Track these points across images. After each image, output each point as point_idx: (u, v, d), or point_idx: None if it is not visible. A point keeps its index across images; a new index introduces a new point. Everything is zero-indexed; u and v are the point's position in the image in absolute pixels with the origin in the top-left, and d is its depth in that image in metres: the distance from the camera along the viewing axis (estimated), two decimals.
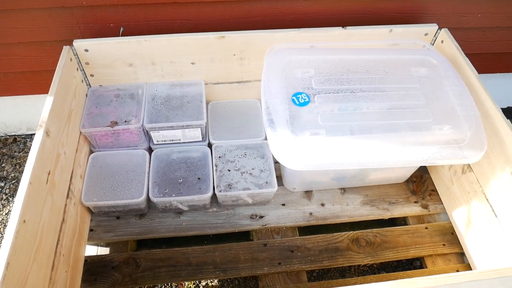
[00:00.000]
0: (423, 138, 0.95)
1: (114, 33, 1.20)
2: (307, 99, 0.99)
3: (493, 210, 1.02)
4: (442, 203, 1.23)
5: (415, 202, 1.23)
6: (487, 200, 1.04)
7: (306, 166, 0.89)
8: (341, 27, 1.17)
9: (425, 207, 1.22)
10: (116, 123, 1.12)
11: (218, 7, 1.17)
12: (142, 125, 1.12)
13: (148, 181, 1.11)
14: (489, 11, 1.26)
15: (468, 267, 1.11)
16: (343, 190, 1.22)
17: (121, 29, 1.18)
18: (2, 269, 0.70)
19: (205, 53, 1.16)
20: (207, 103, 1.29)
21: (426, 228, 1.17)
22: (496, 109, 0.99)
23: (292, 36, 1.16)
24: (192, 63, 1.19)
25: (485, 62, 1.46)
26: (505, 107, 1.78)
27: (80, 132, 1.11)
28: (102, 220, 1.14)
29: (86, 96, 1.19)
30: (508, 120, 0.98)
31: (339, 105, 0.98)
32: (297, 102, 0.98)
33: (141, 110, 1.15)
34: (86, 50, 1.11)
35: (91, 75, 1.18)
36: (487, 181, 1.03)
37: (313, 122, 0.95)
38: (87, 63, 1.14)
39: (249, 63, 1.21)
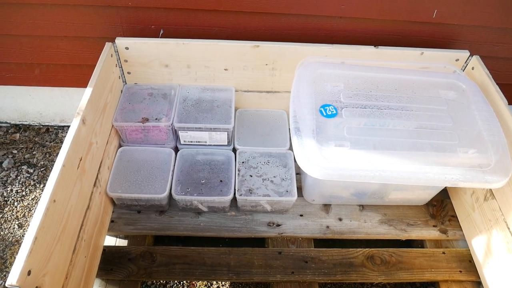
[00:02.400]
0: (447, 159, 0.96)
1: (155, 35, 1.25)
2: (334, 112, 1.01)
3: None
4: (461, 230, 1.21)
5: (433, 226, 1.22)
6: (509, 229, 1.03)
7: (328, 176, 0.90)
8: (373, 46, 1.19)
9: (443, 232, 1.21)
10: (147, 120, 1.16)
11: (255, 17, 1.21)
12: (171, 124, 1.16)
13: (172, 179, 1.14)
14: None
15: None
16: (362, 207, 1.23)
17: (161, 31, 1.24)
18: (30, 243, 0.73)
19: (239, 60, 1.20)
20: (235, 110, 1.32)
21: (444, 253, 1.16)
22: None
23: (324, 51, 1.19)
24: (225, 69, 1.23)
25: None
26: None
27: (112, 125, 1.16)
28: (124, 213, 1.17)
29: (121, 92, 1.24)
30: None
31: (365, 120, 1.00)
32: (325, 114, 1.00)
33: (172, 110, 1.19)
34: (127, 48, 1.17)
35: (128, 73, 1.23)
36: (510, 209, 1.02)
37: (339, 134, 0.97)
38: (126, 61, 1.20)
39: (280, 74, 1.24)
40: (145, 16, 1.20)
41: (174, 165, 1.17)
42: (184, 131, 1.17)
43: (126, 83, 1.26)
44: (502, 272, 1.03)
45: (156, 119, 1.17)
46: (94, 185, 1.03)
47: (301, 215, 1.20)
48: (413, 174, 0.91)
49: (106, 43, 1.13)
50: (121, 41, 1.15)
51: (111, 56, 1.14)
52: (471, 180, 0.92)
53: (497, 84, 1.12)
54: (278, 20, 1.22)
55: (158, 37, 1.24)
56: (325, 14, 1.20)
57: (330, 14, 1.20)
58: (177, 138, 1.22)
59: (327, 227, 1.18)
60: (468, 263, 1.14)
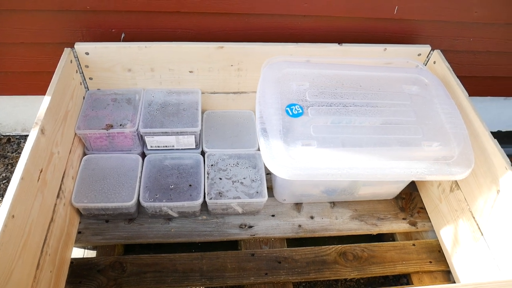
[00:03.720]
0: (412, 153, 0.97)
1: (116, 39, 1.22)
2: (300, 111, 1.00)
3: (479, 229, 1.03)
4: (430, 221, 1.24)
5: (403, 218, 1.24)
6: (474, 218, 1.05)
7: (296, 176, 0.90)
8: (337, 44, 1.20)
9: (413, 224, 1.23)
10: (111, 126, 1.13)
11: (219, 18, 1.20)
12: (137, 130, 1.13)
13: (140, 186, 1.11)
14: (480, 35, 1.31)
15: None
16: (333, 204, 1.23)
17: (123, 35, 1.21)
18: None
19: (204, 62, 1.19)
20: (202, 112, 1.30)
21: (414, 245, 1.18)
22: (484, 129, 1.01)
23: (289, 50, 1.18)
24: (190, 72, 1.21)
25: (475, 85, 1.49)
26: (495, 130, 1.82)
27: (75, 134, 1.12)
28: (91, 223, 1.13)
29: (84, 98, 1.20)
30: (496, 140, 1.00)
31: (331, 118, 1.00)
32: (291, 113, 1.00)
33: (137, 115, 1.16)
34: (87, 53, 1.13)
35: (90, 78, 1.20)
36: (474, 199, 1.05)
37: (306, 133, 0.97)
38: (86, 66, 1.16)
39: (246, 74, 1.23)
40: (105, 19, 1.17)
41: (142, 171, 1.14)
42: (150, 136, 1.15)
43: (88, 89, 1.22)
44: (470, 261, 1.06)
45: (120, 125, 1.14)
46: (58, 196, 1.00)
47: (273, 215, 1.19)
48: (379, 170, 0.92)
49: (65, 48, 1.09)
50: (80, 46, 1.11)
51: (71, 62, 1.10)
52: (436, 173, 0.93)
53: (457, 77, 1.14)
54: (242, 20, 1.21)
55: (119, 41, 1.21)
56: (289, 13, 1.20)
57: (294, 13, 1.20)
58: (143, 143, 1.19)
59: (299, 226, 1.18)
60: (437, 253, 1.17)
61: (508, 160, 0.95)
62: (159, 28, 1.20)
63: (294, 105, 1.02)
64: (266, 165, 0.91)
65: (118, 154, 1.18)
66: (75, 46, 1.11)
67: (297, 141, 0.94)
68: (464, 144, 0.99)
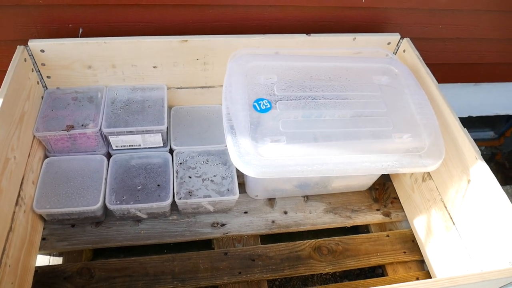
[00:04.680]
0: (383, 146, 0.96)
1: (73, 34, 1.15)
2: (268, 106, 0.97)
3: (451, 218, 1.04)
4: (403, 211, 1.24)
5: (377, 209, 1.23)
6: (446, 208, 1.05)
7: (265, 174, 0.87)
8: (305, 34, 1.16)
9: (387, 215, 1.23)
10: (72, 127, 1.07)
11: (182, 10, 1.15)
12: (100, 130, 1.08)
13: (105, 188, 1.06)
14: (448, 22, 1.30)
15: (428, 275, 1.12)
16: (306, 197, 1.22)
17: (80, 30, 1.14)
18: None
19: (168, 57, 1.14)
20: (169, 108, 1.26)
21: (388, 236, 1.18)
22: (454, 119, 1.00)
23: (256, 42, 1.15)
24: (154, 67, 1.16)
25: (446, 72, 1.49)
26: (466, 116, 1.83)
27: (34, 136, 1.06)
28: (56, 228, 1.08)
29: (42, 98, 1.14)
30: (466, 129, 0.99)
31: (301, 112, 0.98)
32: (259, 109, 0.96)
33: (100, 114, 1.11)
34: (42, 51, 1.06)
35: (48, 77, 1.13)
36: (446, 189, 1.05)
37: (274, 129, 0.94)
38: (43, 64, 1.09)
39: (212, 68, 1.19)
40: (60, 14, 1.10)
41: (107, 172, 1.10)
42: (114, 136, 1.10)
43: (47, 88, 1.16)
44: (442, 250, 1.06)
45: (82, 125, 1.08)
46: (16, 204, 0.94)
47: (245, 212, 1.17)
48: (350, 165, 0.90)
49: (18, 46, 1.03)
50: (34, 43, 1.05)
51: (25, 60, 1.04)
52: (408, 165, 0.92)
53: (428, 64, 1.13)
54: (206, 12, 1.16)
55: (77, 36, 1.15)
56: (255, 4, 1.16)
57: (260, 3, 1.16)
58: (108, 143, 1.14)
59: (273, 221, 1.16)
60: (411, 243, 1.17)
61: (478, 150, 0.95)
62: (119, 22, 1.15)
63: (262, 100, 0.98)
64: (234, 164, 0.88)
65: (81, 155, 1.13)
66: (28, 43, 1.04)
67: (265, 137, 0.91)
68: (435, 135, 0.98)
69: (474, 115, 1.83)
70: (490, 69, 1.55)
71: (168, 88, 1.22)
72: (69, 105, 1.13)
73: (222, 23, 1.19)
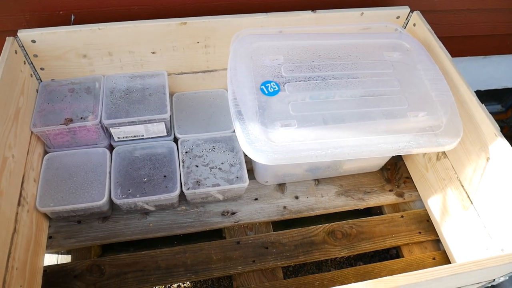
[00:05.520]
0: (398, 125, 0.92)
1: (65, 22, 1.09)
2: (277, 88, 0.93)
3: (468, 197, 1.00)
4: (417, 191, 1.20)
5: (390, 190, 1.20)
6: (463, 187, 1.02)
7: (277, 160, 0.83)
8: (310, 11, 1.11)
9: (400, 195, 1.20)
10: (71, 121, 1.03)
11: None
12: (100, 122, 1.03)
13: (110, 182, 1.03)
14: None
15: (444, 254, 1.10)
16: (317, 181, 1.18)
17: (72, 17, 1.08)
18: None
19: (166, 41, 1.08)
20: (171, 95, 1.21)
21: (402, 216, 1.15)
22: (470, 94, 0.96)
23: (260, 21, 1.09)
24: (153, 53, 1.10)
25: (455, 45, 1.44)
26: (475, 90, 1.78)
27: (32, 132, 1.02)
28: (62, 226, 1.05)
29: (37, 91, 1.09)
30: (483, 105, 0.95)
31: (310, 94, 0.93)
32: (266, 92, 0.92)
33: (99, 105, 1.06)
34: (34, 41, 1.01)
35: (42, 69, 1.08)
36: (462, 167, 1.01)
37: (284, 112, 0.89)
38: (35, 56, 1.04)
39: (214, 51, 1.13)
40: (49, 1, 1.03)
41: (111, 165, 1.06)
42: (116, 127, 1.05)
43: (41, 81, 1.10)
44: (459, 229, 1.03)
45: (81, 118, 1.04)
46: (19, 204, 0.90)
47: (256, 199, 1.13)
48: (365, 147, 0.86)
49: (7, 38, 0.97)
50: (24, 34, 0.99)
51: (16, 52, 0.98)
52: (425, 145, 0.88)
53: (439, 38, 1.08)
54: None
55: (69, 24, 1.09)
56: None
57: None
58: (110, 135, 1.09)
59: (284, 207, 1.12)
60: (426, 223, 1.14)
61: (497, 125, 0.91)
62: (113, 7, 1.08)
63: (269, 82, 0.93)
64: (244, 152, 0.84)
65: (83, 149, 1.08)
66: (18, 34, 0.98)
67: (275, 122, 0.87)
68: (451, 112, 0.93)
69: (482, 89, 1.78)
70: (500, 41, 1.49)
71: (169, 74, 1.16)
72: (66, 98, 1.08)
73: (222, 2, 1.13)
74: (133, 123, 1.05)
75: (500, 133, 0.90)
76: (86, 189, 1.01)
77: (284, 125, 0.86)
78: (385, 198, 1.18)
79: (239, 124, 0.85)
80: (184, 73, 1.18)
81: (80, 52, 1.06)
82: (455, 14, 1.31)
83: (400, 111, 0.93)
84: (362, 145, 0.86)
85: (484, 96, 2.00)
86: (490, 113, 2.02)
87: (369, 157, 0.88)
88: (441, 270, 0.71)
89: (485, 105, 2.16)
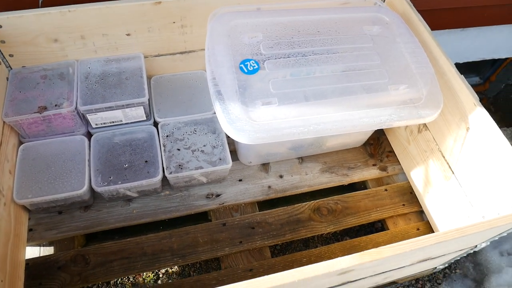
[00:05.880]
0: (379, 99, 0.91)
1: (33, 5, 1.04)
2: (256, 66, 0.91)
3: (450, 168, 1.02)
4: (400, 164, 1.22)
5: (373, 165, 1.21)
6: (444, 157, 1.03)
7: (259, 139, 0.82)
8: None
9: (383, 169, 1.20)
10: (45, 108, 0.99)
11: None
12: (76, 108, 1.00)
13: (90, 170, 1.00)
14: None
15: (428, 224, 1.12)
16: (301, 159, 1.18)
17: None
18: None
19: (141, 22, 1.04)
20: (149, 78, 1.18)
21: (386, 190, 1.16)
22: (450, 65, 0.96)
23: None
24: (128, 35, 1.07)
25: (434, 18, 1.44)
26: (454, 63, 1.80)
27: (4, 122, 0.98)
28: (42, 217, 1.02)
29: (7, 79, 1.04)
30: (462, 76, 0.95)
31: (291, 70, 0.92)
32: (246, 70, 0.90)
33: (74, 91, 1.02)
34: (0, 26, 0.96)
35: (10, 55, 1.03)
36: (443, 138, 1.02)
37: (265, 90, 0.88)
38: (3, 42, 0.99)
39: (191, 31, 1.10)
40: None
41: (89, 153, 1.03)
42: (92, 114, 1.02)
43: (11, 68, 1.06)
44: (442, 200, 1.05)
45: (56, 105, 1.00)
46: None
47: (240, 180, 1.13)
48: (347, 122, 0.86)
49: None
50: None
51: None
52: (406, 118, 0.88)
53: (418, 11, 1.07)
54: None
55: (37, 7, 1.04)
56: None
57: None
58: (87, 122, 1.06)
59: (269, 187, 1.12)
60: (409, 195, 1.16)
61: (476, 96, 0.91)
62: None
63: (249, 60, 0.91)
64: (225, 132, 0.82)
65: (60, 137, 1.05)
66: None
67: (256, 100, 0.85)
68: (431, 84, 0.94)
69: (461, 61, 1.80)
70: (477, 13, 1.49)
71: (145, 57, 1.13)
72: (38, 85, 1.04)
73: None
74: (110, 108, 1.02)
75: (479, 103, 0.91)
76: (65, 179, 0.99)
77: (265, 104, 0.85)
78: (369, 173, 1.19)
79: (219, 104, 0.83)
80: (161, 55, 1.15)
81: (51, 37, 1.02)
82: None
83: (380, 84, 0.92)
84: (344, 120, 0.86)
85: (463, 69, 2.01)
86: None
87: (352, 132, 0.88)
88: (425, 239, 0.72)
89: (465, 77, 2.18)
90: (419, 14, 1.05)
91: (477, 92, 2.28)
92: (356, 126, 0.86)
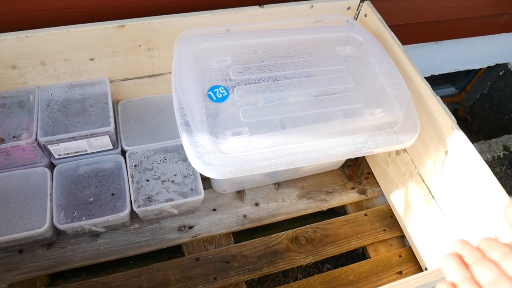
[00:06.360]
0: (355, 124, 0.87)
1: None
2: (225, 93, 0.86)
3: (430, 192, 0.98)
4: (379, 186, 1.18)
5: (352, 188, 1.17)
6: (423, 181, 1.00)
7: (230, 174, 0.77)
8: (258, 6, 1.05)
9: (362, 192, 1.17)
10: (2, 140, 0.92)
11: None
12: (36, 139, 0.94)
13: (52, 205, 0.94)
14: None
15: (410, 250, 1.08)
16: (277, 185, 1.14)
17: None
18: None
19: (105, 46, 0.99)
20: (116, 103, 1.12)
21: (366, 215, 1.12)
22: (425, 86, 0.93)
23: (205, 19, 1.02)
24: (91, 59, 1.01)
25: (408, 32, 1.42)
26: (429, 75, 1.80)
27: None
28: (1, 257, 0.95)
29: None
30: (438, 97, 0.93)
31: (261, 97, 0.87)
32: (215, 98, 0.85)
33: (33, 120, 0.96)
34: None
35: None
36: (422, 161, 0.99)
37: (235, 119, 0.83)
38: None
39: (159, 54, 1.05)
40: None
41: (52, 186, 0.96)
42: (54, 145, 0.96)
43: None
44: (423, 225, 1.01)
45: (14, 136, 0.94)
46: None
47: (214, 210, 1.07)
48: (322, 152, 0.81)
49: None
50: None
51: None
52: (383, 144, 0.85)
53: (391, 26, 1.04)
54: None
55: None
56: None
57: None
58: (49, 152, 1.00)
59: (245, 216, 1.07)
60: (390, 219, 1.12)
61: (454, 118, 0.89)
62: (42, 11, 0.98)
63: (218, 87, 0.87)
64: (193, 167, 0.77)
65: (19, 170, 0.98)
66: None
67: (226, 131, 0.81)
68: (407, 106, 0.90)
69: (436, 73, 1.79)
70: (450, 26, 1.49)
71: (111, 81, 1.08)
72: None
73: (163, 1, 1.05)
74: (73, 138, 0.96)
75: (457, 126, 0.88)
76: (25, 216, 0.92)
77: (235, 134, 0.80)
78: (348, 197, 1.15)
79: (187, 136, 0.78)
80: (129, 79, 1.10)
81: (8, 63, 0.96)
82: (405, 2, 1.29)
83: (356, 109, 0.89)
84: (319, 149, 0.82)
85: (439, 80, 2.02)
86: (445, 96, 2.05)
87: (327, 161, 0.84)
88: (407, 282, 0.68)
89: (439, 89, 2.21)
90: (392, 32, 1.03)
91: (453, 102, 2.29)
92: (332, 155, 0.82)
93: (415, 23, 1.39)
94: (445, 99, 2.16)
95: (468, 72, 2.06)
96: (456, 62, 1.78)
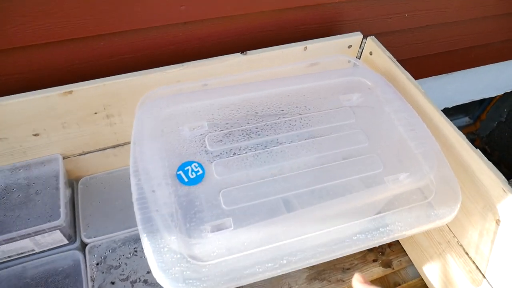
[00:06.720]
0: (374, 197, 0.66)
1: None
2: (201, 171, 0.66)
3: (478, 268, 0.76)
4: (406, 254, 0.96)
5: (374, 260, 0.95)
6: (467, 255, 0.78)
7: (214, 286, 0.56)
8: (240, 53, 0.86)
9: (387, 264, 0.94)
10: None
11: (59, 50, 0.81)
12: None
13: None
14: (416, 8, 1.03)
15: None
16: None
17: None
18: None
19: (51, 117, 0.79)
20: (77, 181, 0.92)
21: None
22: (459, 137, 0.73)
23: (174, 75, 0.83)
24: (36, 135, 0.81)
25: (417, 66, 1.24)
26: (442, 108, 1.61)
27: None
28: None
29: None
30: (478, 149, 0.72)
31: (249, 173, 0.67)
32: (186, 180, 0.65)
33: None
34: None
35: None
36: (464, 231, 0.77)
37: (214, 207, 0.62)
38: None
39: (121, 120, 0.86)
40: None
41: None
42: None
43: None
44: None
45: None
46: None
47: None
48: (336, 246, 0.60)
49: None
50: None
51: None
52: (418, 224, 0.63)
53: (399, 62, 0.86)
54: (95, 45, 0.82)
55: None
56: (161, 23, 0.83)
57: (167, 21, 0.84)
58: None
59: None
60: None
61: (504, 178, 0.67)
62: None
63: (190, 163, 0.66)
64: (159, 283, 0.55)
65: None
66: None
67: (202, 225, 0.59)
68: (439, 164, 0.69)
69: (449, 106, 1.61)
70: (464, 55, 1.32)
71: (66, 157, 0.88)
72: None
73: (122, 57, 0.86)
74: (12, 239, 0.75)
75: (509, 187, 0.66)
76: None
77: (216, 229, 0.59)
78: (370, 273, 0.92)
79: (148, 241, 0.57)
80: (88, 153, 0.90)
81: None
82: (413, 33, 1.11)
83: (374, 177, 0.68)
84: (331, 241, 0.60)
85: (451, 111, 1.85)
86: (459, 127, 1.85)
87: (344, 255, 0.63)
88: None
89: (454, 119, 2.00)
90: (407, 72, 0.84)
91: (468, 133, 2.08)
92: (351, 247, 0.60)
93: (425, 56, 1.21)
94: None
95: (482, 100, 1.87)
96: (470, 92, 1.60)
